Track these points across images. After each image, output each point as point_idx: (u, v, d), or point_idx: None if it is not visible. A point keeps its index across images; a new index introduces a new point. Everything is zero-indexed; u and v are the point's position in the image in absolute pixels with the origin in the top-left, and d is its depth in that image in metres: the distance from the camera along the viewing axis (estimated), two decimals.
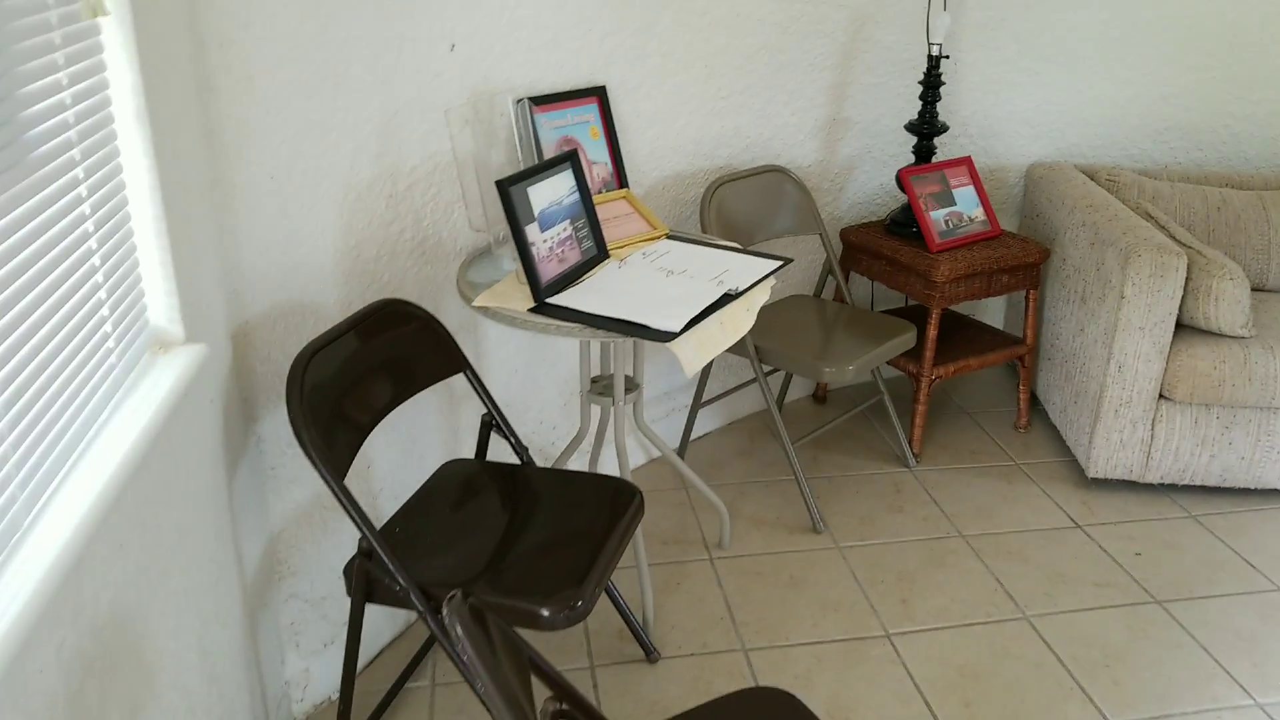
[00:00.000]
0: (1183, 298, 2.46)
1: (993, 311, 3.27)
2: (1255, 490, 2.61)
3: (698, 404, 2.58)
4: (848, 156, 2.87)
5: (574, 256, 1.87)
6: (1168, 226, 2.66)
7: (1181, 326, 2.51)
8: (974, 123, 3.01)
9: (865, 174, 2.92)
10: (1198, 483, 2.54)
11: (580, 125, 2.11)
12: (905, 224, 2.68)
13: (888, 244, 2.64)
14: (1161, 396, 2.47)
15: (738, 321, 1.79)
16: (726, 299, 1.79)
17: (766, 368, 2.40)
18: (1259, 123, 3.11)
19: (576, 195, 1.91)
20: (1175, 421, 2.49)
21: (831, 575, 2.20)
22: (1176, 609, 2.14)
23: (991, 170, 3.07)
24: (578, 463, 2.41)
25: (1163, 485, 2.61)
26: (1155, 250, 2.36)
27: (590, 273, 1.89)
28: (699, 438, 2.78)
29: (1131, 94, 3.05)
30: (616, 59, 2.21)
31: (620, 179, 2.18)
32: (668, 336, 1.65)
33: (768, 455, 2.69)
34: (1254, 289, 2.92)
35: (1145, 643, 2.03)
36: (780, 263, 1.97)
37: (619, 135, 2.26)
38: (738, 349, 2.33)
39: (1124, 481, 2.62)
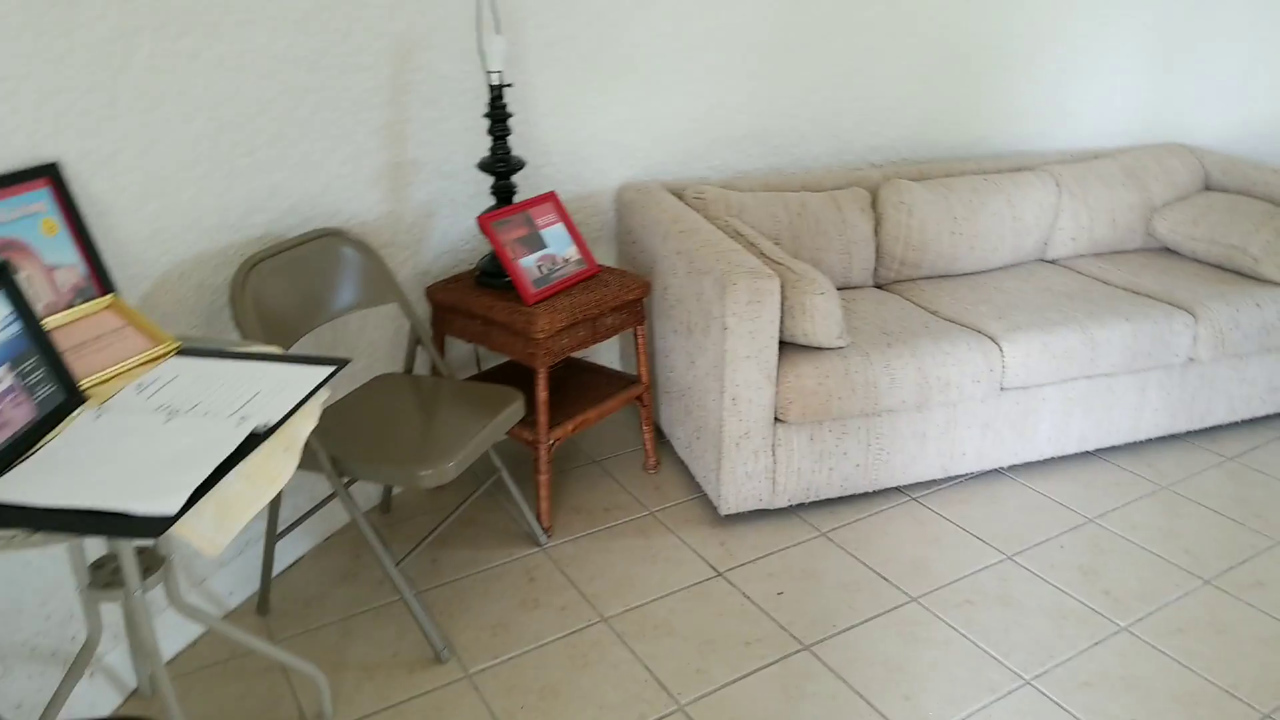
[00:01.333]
0: (781, 316, 2.40)
1: (607, 345, 3.10)
2: (873, 493, 2.65)
3: (273, 536, 2.10)
4: (422, 203, 2.52)
5: (23, 415, 1.34)
6: (757, 243, 2.61)
7: (783, 345, 2.46)
8: (557, 150, 2.79)
9: (447, 220, 2.59)
10: (823, 497, 2.52)
11: (26, 220, 1.56)
12: (497, 274, 2.39)
13: (479, 300, 2.33)
14: (777, 420, 2.40)
15: (273, 469, 1.37)
16: (254, 440, 1.37)
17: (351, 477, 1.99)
18: (823, 123, 3.20)
19: (15, 326, 1.37)
20: (793, 443, 2.43)
21: (463, 716, 1.86)
22: (825, 651, 2.05)
23: (583, 199, 2.88)
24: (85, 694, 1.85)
25: (792, 506, 2.57)
26: (750, 276, 2.26)
27: (52, 434, 1.37)
28: (287, 569, 2.30)
29: (705, 105, 2.99)
30: (69, 124, 1.67)
31: (102, 282, 1.65)
32: (163, 524, 1.20)
33: (378, 572, 2.28)
34: (840, 288, 2.99)
35: (803, 703, 1.91)
36: (332, 369, 1.57)
37: (93, 223, 1.72)
38: (309, 463, 1.89)
39: (756, 511, 2.54)
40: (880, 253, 3.04)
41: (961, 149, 3.45)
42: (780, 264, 2.50)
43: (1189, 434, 3.02)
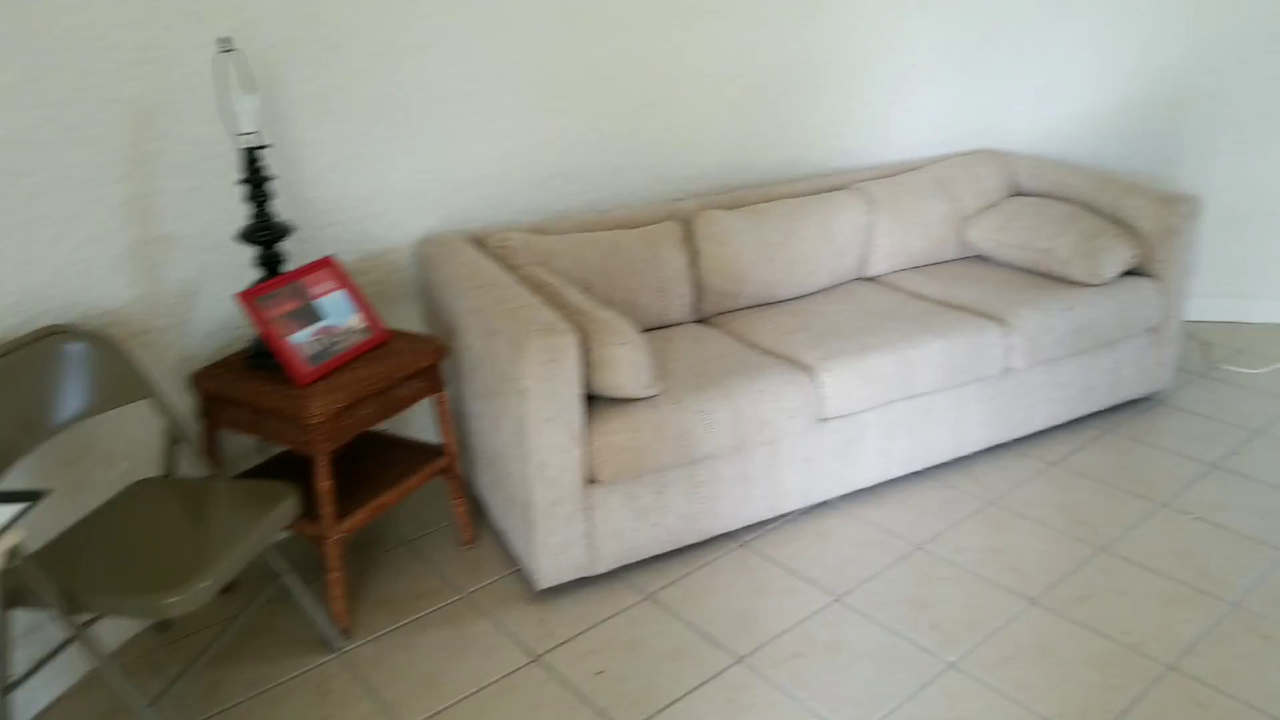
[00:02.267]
0: (585, 371, 2.28)
1: (420, 411, 2.92)
2: (701, 543, 2.56)
3: (4, 688, 1.84)
4: (183, 281, 2.30)
5: None
6: (561, 293, 2.48)
7: (592, 399, 2.34)
8: (341, 209, 2.61)
9: (214, 297, 2.38)
10: (648, 555, 2.40)
11: None
12: (267, 354, 2.19)
13: (247, 386, 2.13)
14: (590, 482, 2.28)
15: None
16: None
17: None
18: (636, 155, 3.10)
19: None
20: (610, 504, 2.31)
21: None
22: None
23: (377, 257, 2.70)
24: None
25: (616, 570, 2.45)
26: (544, 334, 2.12)
27: None
28: (41, 714, 2.01)
29: (507, 147, 2.85)
30: None
31: None
32: None
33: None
34: (658, 327, 2.89)
35: None
36: (17, 510, 1.36)
37: None
38: (34, 601, 1.66)
39: (577, 581, 2.41)
40: (698, 286, 2.96)
41: (779, 171, 3.42)
42: (583, 314, 2.37)
43: (1013, 442, 3.04)
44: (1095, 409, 3.13)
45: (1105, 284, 3.05)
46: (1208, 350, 3.64)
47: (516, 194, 2.91)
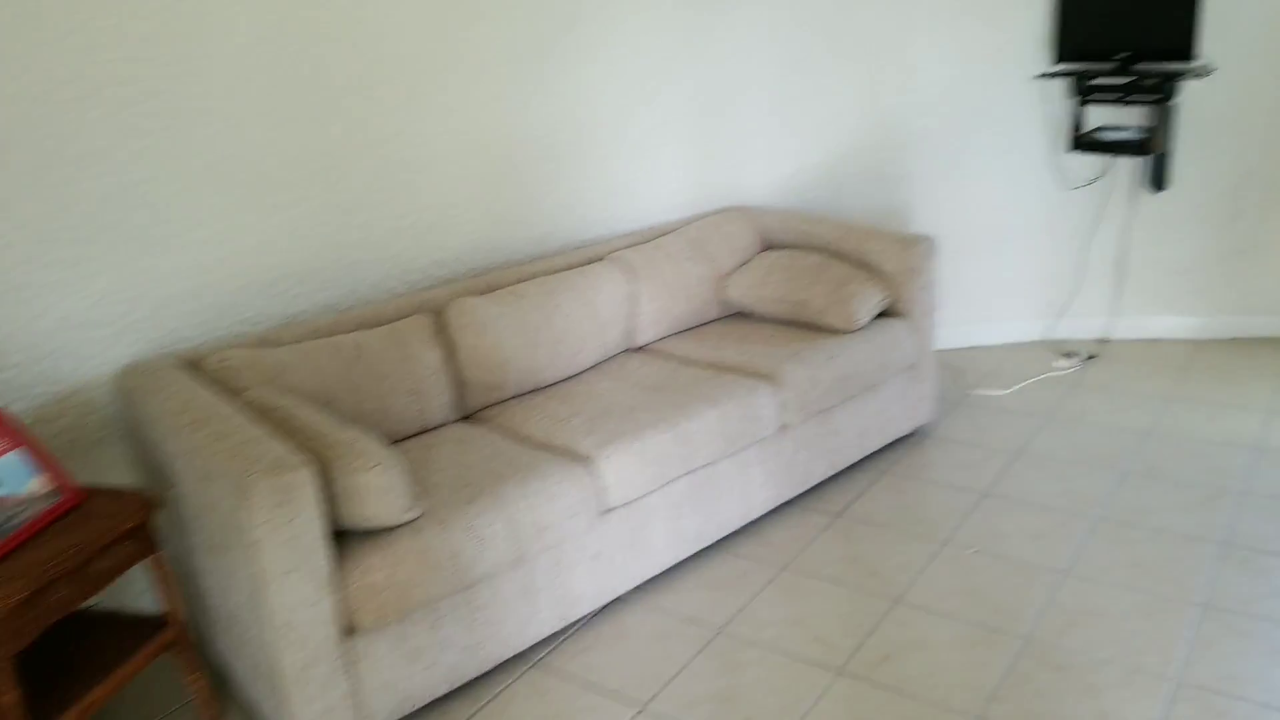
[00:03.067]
0: (330, 504, 2.00)
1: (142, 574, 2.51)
2: (489, 672, 2.31)
3: None
4: None
5: None
6: (294, 415, 2.19)
7: (341, 534, 2.06)
8: (14, 349, 2.20)
9: None
10: (429, 699, 2.14)
11: None
12: None
13: None
14: (349, 633, 1.99)
15: None
16: None
17: None
18: (375, 246, 2.86)
19: None
20: (377, 653, 2.03)
21: None
22: None
23: (65, 400, 2.29)
24: None
25: None
26: (272, 473, 1.83)
27: None
28: None
29: (220, 254, 2.53)
30: None
31: None
32: None
33: None
34: (418, 433, 2.64)
35: None
36: None
37: None
38: None
39: None
40: (458, 382, 2.74)
41: (533, 246, 3.27)
42: (322, 438, 2.09)
43: (798, 499, 3.01)
44: (869, 451, 3.17)
45: (861, 329, 3.10)
46: (960, 377, 3.81)
47: (237, 303, 2.59)
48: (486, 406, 2.80)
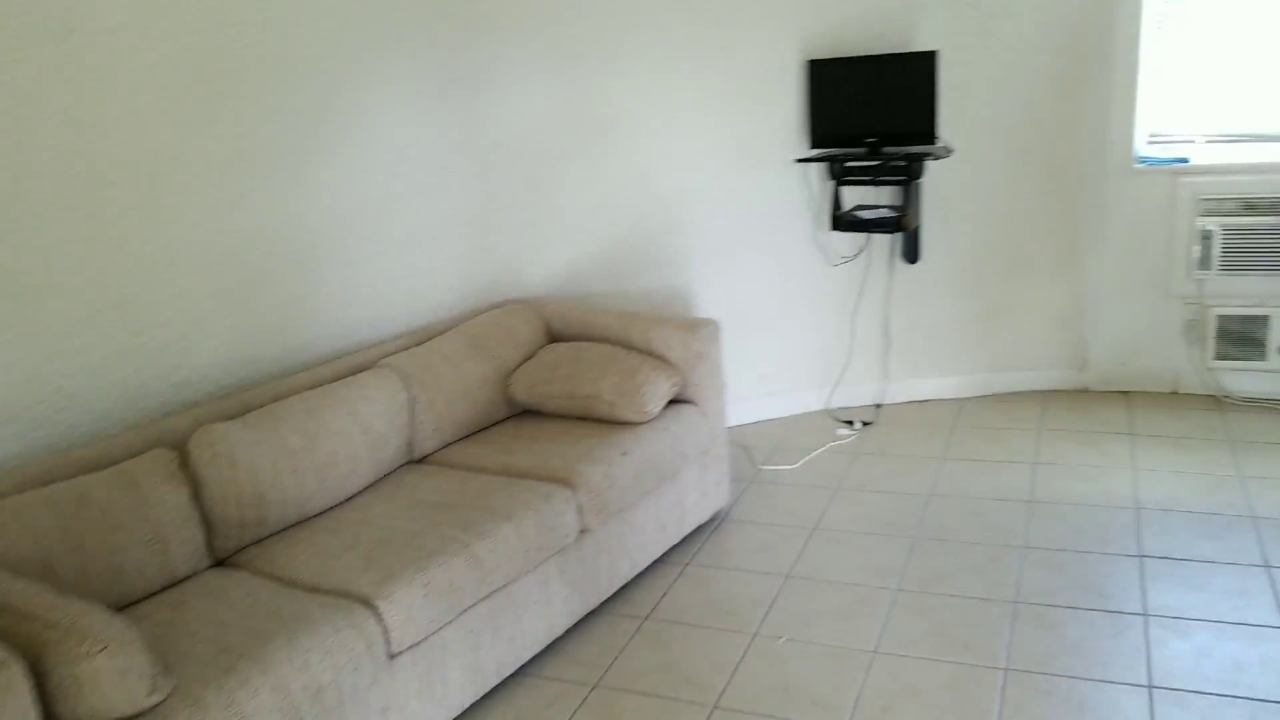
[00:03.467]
0: (46, 708, 1.63)
1: None
2: None
3: None
4: None
5: None
6: None
7: None
8: None
9: None
10: None
11: None
12: None
13: None
14: None
15: None
16: None
17: None
18: (100, 373, 2.48)
19: None
20: None
21: None
22: None
23: None
24: None
25: None
26: None
27: None
28: None
29: None
30: None
31: None
32: None
33: None
34: (162, 590, 2.27)
35: None
36: None
37: None
38: None
39: None
40: (208, 523, 2.40)
41: (293, 356, 2.97)
42: (32, 620, 1.72)
43: (603, 606, 2.84)
44: (671, 544, 3.07)
45: (654, 419, 3.02)
46: (751, 455, 3.81)
47: None
48: (244, 548, 2.46)
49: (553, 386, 3.11)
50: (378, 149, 3.19)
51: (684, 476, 3.08)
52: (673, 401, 3.16)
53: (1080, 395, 4.14)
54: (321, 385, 2.81)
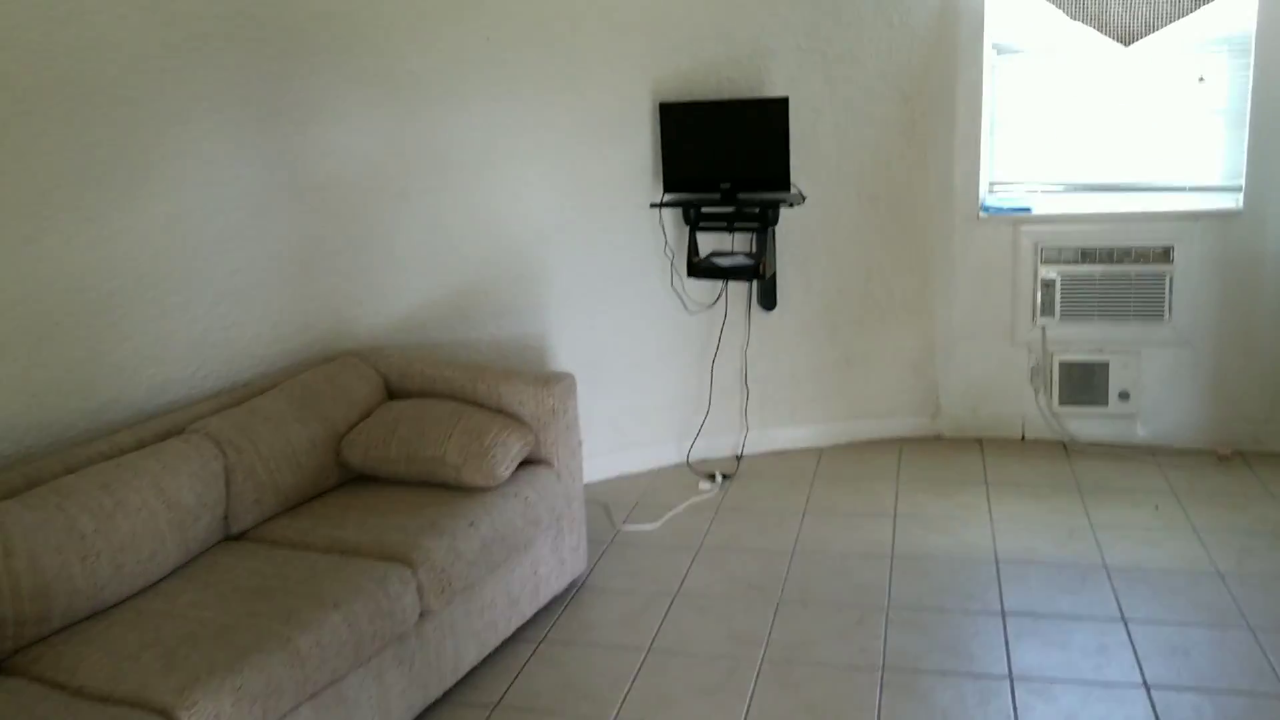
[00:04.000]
0: None
1: None
2: None
3: None
4: None
5: None
6: None
7: None
8: None
9: None
10: None
11: None
12: None
13: None
14: None
15: None
16: None
17: None
18: None
19: None
20: None
21: None
22: None
23: None
24: None
25: None
26: None
27: None
28: None
29: None
30: None
31: None
32: None
33: None
34: None
35: None
36: None
37: None
38: None
39: None
40: None
41: (87, 421, 2.60)
42: None
43: (445, 696, 2.58)
44: (524, 620, 2.84)
45: (504, 484, 2.80)
46: (610, 514, 3.63)
47: None
48: (22, 649, 2.09)
49: (391, 449, 2.84)
50: (189, 187, 2.86)
51: (538, 545, 2.86)
52: (526, 462, 2.94)
53: (935, 442, 4.16)
54: (121, 455, 2.46)
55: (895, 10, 3.77)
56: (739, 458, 4.09)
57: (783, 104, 3.56)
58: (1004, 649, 2.65)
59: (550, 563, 2.92)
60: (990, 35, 3.81)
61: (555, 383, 2.97)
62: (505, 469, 2.78)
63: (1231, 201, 3.73)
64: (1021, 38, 3.81)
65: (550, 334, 3.75)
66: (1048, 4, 3.66)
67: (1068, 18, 3.65)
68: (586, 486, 3.86)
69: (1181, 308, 3.82)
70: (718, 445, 4.10)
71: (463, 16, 3.41)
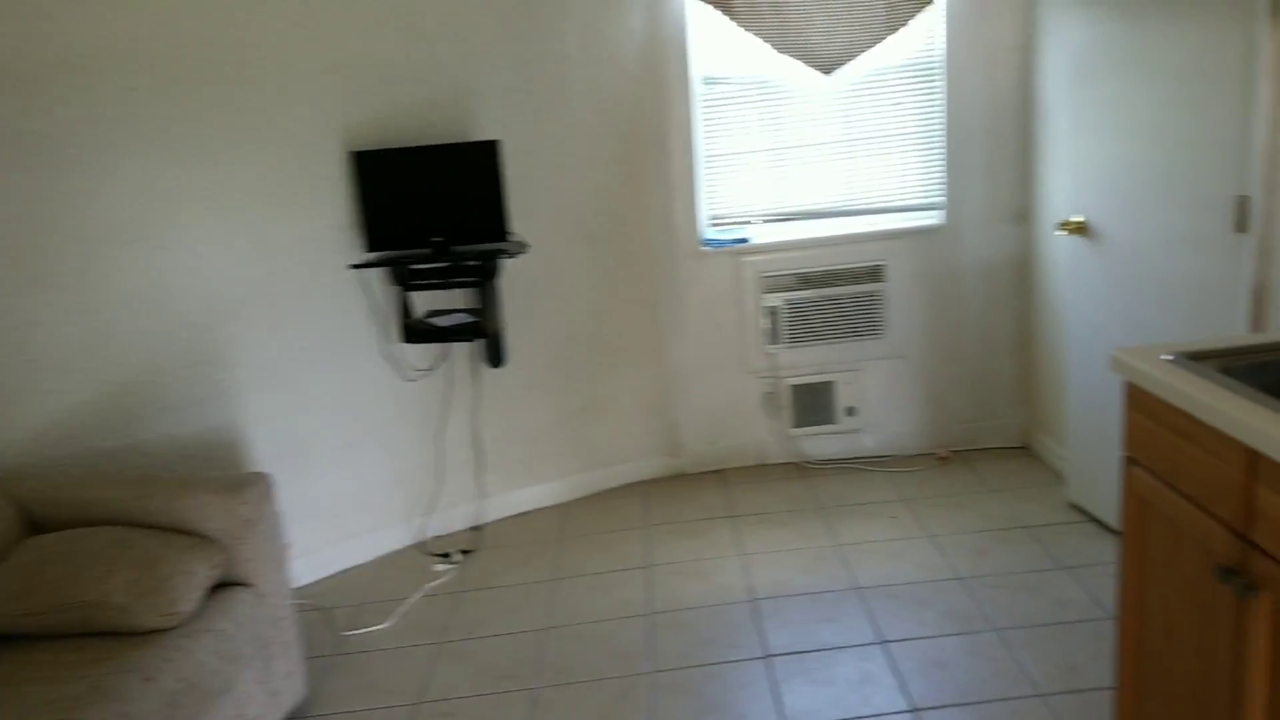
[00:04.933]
0: None
1: None
2: None
3: None
4: None
5: None
6: None
7: None
8: None
9: None
10: None
11: None
12: None
13: None
14: None
15: None
16: None
17: None
18: None
19: None
20: None
21: None
22: None
23: None
24: None
25: None
26: None
27: None
28: None
29: None
30: None
31: None
32: None
33: None
34: None
35: None
36: None
37: None
38: None
39: None
40: None
41: None
42: None
43: None
44: None
45: (189, 619, 2.32)
46: (331, 620, 3.19)
47: None
48: None
49: (35, 599, 2.28)
50: None
51: (242, 682, 2.40)
52: (219, 586, 2.47)
53: (678, 480, 4.06)
54: None
55: (601, 46, 3.64)
56: (477, 529, 3.78)
57: (493, 147, 3.31)
58: (771, 697, 2.53)
59: (259, 699, 2.47)
60: (698, 69, 3.77)
61: (246, 487, 2.53)
62: (188, 603, 2.31)
63: (935, 218, 3.91)
64: (730, 70, 3.81)
65: (242, 423, 3.25)
66: (754, 37, 3.68)
67: (774, 50, 3.68)
68: (302, 591, 3.39)
69: (896, 322, 3.96)
70: (453, 519, 3.76)
71: (89, 65, 2.88)
